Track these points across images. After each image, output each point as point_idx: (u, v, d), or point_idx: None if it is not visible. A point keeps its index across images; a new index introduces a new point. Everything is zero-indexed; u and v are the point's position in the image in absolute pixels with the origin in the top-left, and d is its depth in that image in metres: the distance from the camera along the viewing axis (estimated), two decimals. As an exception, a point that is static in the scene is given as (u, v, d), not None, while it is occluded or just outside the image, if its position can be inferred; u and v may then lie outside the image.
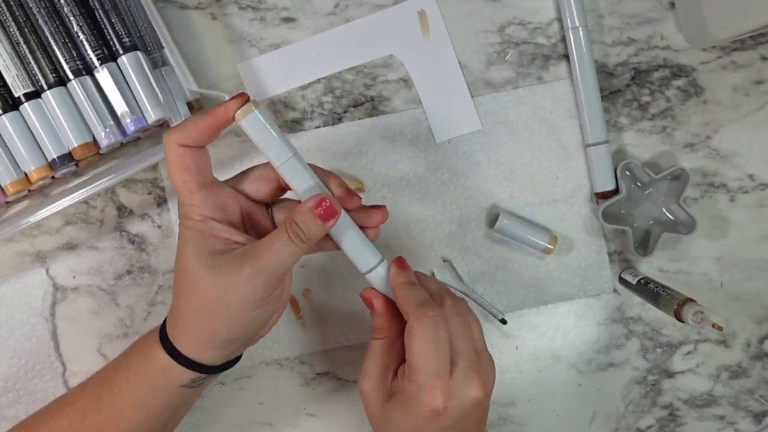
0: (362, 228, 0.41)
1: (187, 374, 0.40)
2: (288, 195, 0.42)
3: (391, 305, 0.41)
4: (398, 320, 0.40)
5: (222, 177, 0.53)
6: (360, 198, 0.41)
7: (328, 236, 0.40)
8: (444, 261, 0.54)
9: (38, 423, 0.42)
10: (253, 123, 0.37)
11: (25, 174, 0.48)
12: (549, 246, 0.52)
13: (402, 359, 0.40)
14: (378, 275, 0.40)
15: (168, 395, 0.40)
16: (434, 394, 0.37)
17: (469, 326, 0.40)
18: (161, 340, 0.40)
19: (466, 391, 0.37)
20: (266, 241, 0.38)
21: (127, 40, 0.48)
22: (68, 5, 0.47)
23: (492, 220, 0.53)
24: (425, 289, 0.40)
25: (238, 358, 0.43)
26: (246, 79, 0.54)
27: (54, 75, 0.47)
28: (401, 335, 0.39)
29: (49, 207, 0.47)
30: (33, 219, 0.47)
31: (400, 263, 0.41)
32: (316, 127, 0.54)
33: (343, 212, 0.39)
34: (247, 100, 0.37)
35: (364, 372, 0.40)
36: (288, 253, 0.37)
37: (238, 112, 0.37)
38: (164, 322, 0.41)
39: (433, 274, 0.53)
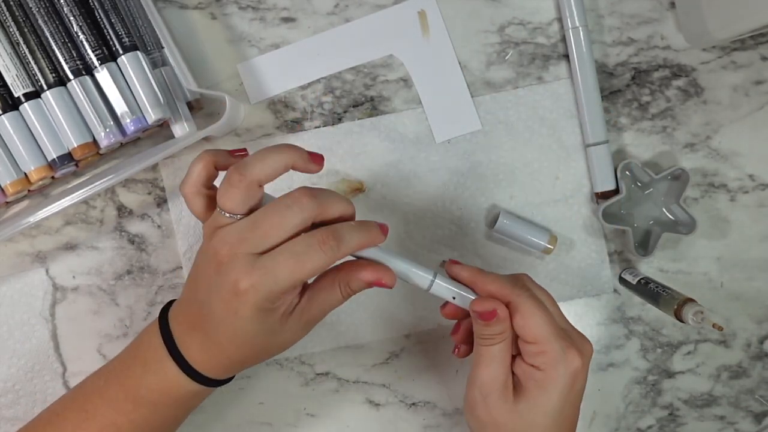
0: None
1: (204, 390, 0.41)
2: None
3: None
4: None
5: (221, 176, 0.53)
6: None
7: None
8: (443, 262, 0.54)
9: None
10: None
11: (25, 174, 0.48)
12: (549, 246, 0.52)
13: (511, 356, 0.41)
14: (441, 285, 0.42)
15: (186, 403, 0.42)
16: (572, 354, 0.39)
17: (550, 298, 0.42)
18: (186, 371, 0.40)
19: (587, 345, 0.40)
20: (320, 299, 0.40)
21: (127, 40, 0.48)
22: (68, 5, 0.47)
23: (492, 221, 0.53)
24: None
25: None
26: (246, 79, 0.54)
27: (54, 75, 0.47)
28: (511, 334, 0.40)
29: (49, 207, 0.47)
30: (33, 219, 0.47)
31: (456, 262, 0.43)
32: (316, 127, 0.54)
33: (376, 247, 0.41)
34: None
35: (486, 385, 0.40)
36: (338, 304, 0.40)
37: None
38: (171, 345, 0.40)
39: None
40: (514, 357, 0.41)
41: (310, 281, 0.41)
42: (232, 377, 0.43)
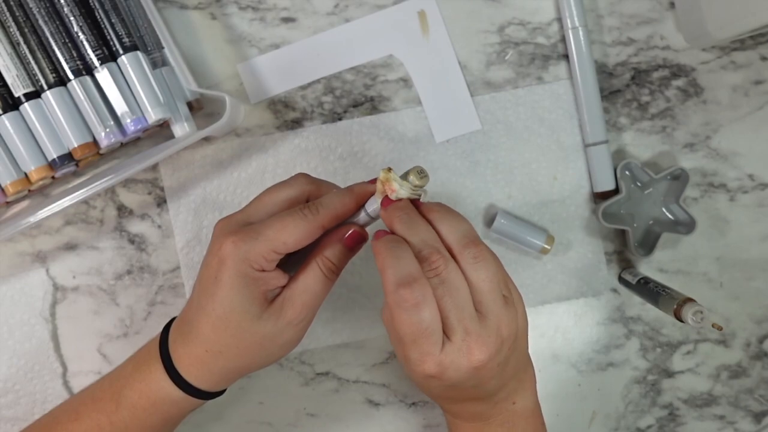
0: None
1: (196, 403, 0.41)
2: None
3: None
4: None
5: (221, 176, 0.53)
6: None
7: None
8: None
9: None
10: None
11: (25, 174, 0.48)
12: (546, 246, 0.52)
13: None
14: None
15: (174, 415, 0.42)
16: (424, 366, 0.36)
17: (460, 284, 0.36)
18: (172, 377, 0.40)
19: (461, 361, 0.35)
20: (303, 284, 0.39)
21: (127, 40, 0.48)
22: (68, 5, 0.47)
23: (489, 220, 0.53)
24: (414, 242, 0.36)
25: None
26: (246, 79, 0.54)
27: (54, 75, 0.47)
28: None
29: (49, 207, 0.47)
30: (33, 219, 0.47)
31: (386, 220, 0.39)
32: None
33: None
34: None
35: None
36: (322, 287, 0.39)
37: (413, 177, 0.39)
38: (161, 347, 0.41)
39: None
40: None
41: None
42: (218, 394, 0.42)
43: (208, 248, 0.39)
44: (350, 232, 0.39)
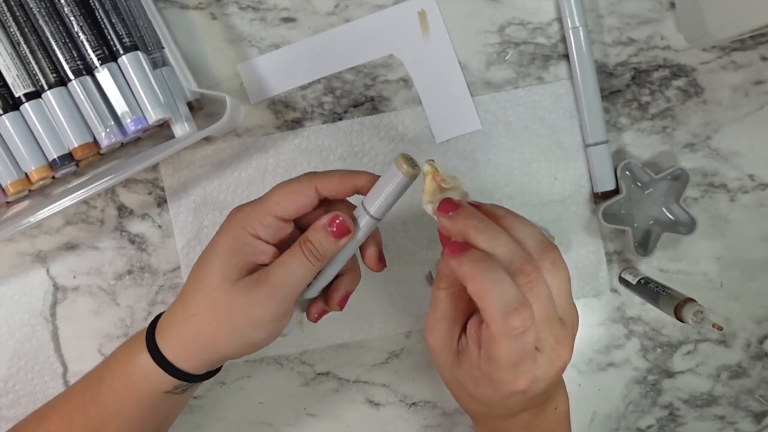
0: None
1: (170, 381, 0.39)
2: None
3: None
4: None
5: (222, 176, 0.54)
6: (384, 264, 0.41)
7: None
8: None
9: (27, 429, 0.42)
10: (405, 182, 0.37)
11: (26, 174, 0.49)
12: None
13: (469, 313, 0.37)
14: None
15: (152, 402, 0.40)
16: (516, 385, 0.34)
17: (548, 293, 0.34)
18: (148, 345, 0.40)
19: (551, 370, 0.34)
20: (282, 261, 0.38)
21: (127, 40, 0.48)
22: (68, 5, 0.47)
23: None
24: (501, 255, 0.33)
25: (219, 368, 0.43)
26: (246, 79, 0.54)
27: (54, 75, 0.47)
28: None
29: (49, 207, 0.47)
30: (33, 219, 0.47)
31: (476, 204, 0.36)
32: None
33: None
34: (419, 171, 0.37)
35: (429, 326, 0.37)
36: (303, 271, 0.38)
37: (407, 168, 0.36)
38: (151, 326, 0.41)
39: (430, 274, 0.53)
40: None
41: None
42: (210, 374, 0.41)
43: None
44: (338, 220, 0.37)
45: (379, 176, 0.38)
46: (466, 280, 0.33)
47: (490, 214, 0.36)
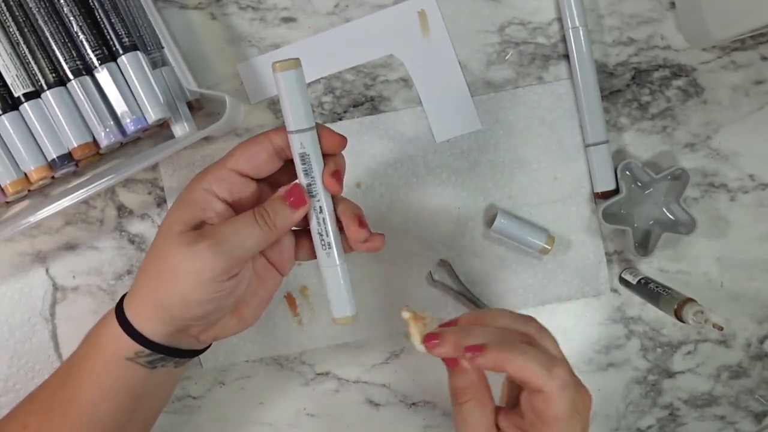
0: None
1: (131, 346, 0.39)
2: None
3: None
4: (481, 373, 0.38)
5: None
6: (381, 238, 0.39)
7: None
8: (441, 261, 0.54)
9: (18, 406, 0.42)
10: (291, 79, 0.35)
11: (25, 174, 0.48)
12: (546, 246, 0.52)
13: (494, 418, 0.38)
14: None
15: (118, 370, 0.39)
16: (585, 424, 0.36)
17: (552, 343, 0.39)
18: (116, 307, 0.40)
19: (588, 400, 0.37)
20: (231, 221, 0.37)
21: (127, 40, 0.48)
22: (68, 5, 0.47)
23: (490, 220, 0.53)
24: (498, 335, 0.37)
25: (196, 352, 0.42)
26: (246, 79, 0.54)
27: (54, 75, 0.47)
28: (487, 387, 0.38)
29: (49, 207, 0.47)
30: (33, 219, 0.47)
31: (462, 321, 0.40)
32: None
33: (337, 234, 0.39)
34: (298, 62, 0.36)
35: None
36: (249, 233, 0.37)
37: (279, 63, 0.35)
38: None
39: (430, 274, 0.53)
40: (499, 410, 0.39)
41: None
42: (180, 352, 0.40)
43: None
44: (297, 191, 0.37)
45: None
46: (505, 366, 0.35)
47: (465, 321, 0.40)
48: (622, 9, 0.54)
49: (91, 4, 0.48)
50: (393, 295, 0.54)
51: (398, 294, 0.54)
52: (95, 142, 0.49)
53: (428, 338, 0.37)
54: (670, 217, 0.53)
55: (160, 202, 0.54)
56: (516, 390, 0.40)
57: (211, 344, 0.43)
